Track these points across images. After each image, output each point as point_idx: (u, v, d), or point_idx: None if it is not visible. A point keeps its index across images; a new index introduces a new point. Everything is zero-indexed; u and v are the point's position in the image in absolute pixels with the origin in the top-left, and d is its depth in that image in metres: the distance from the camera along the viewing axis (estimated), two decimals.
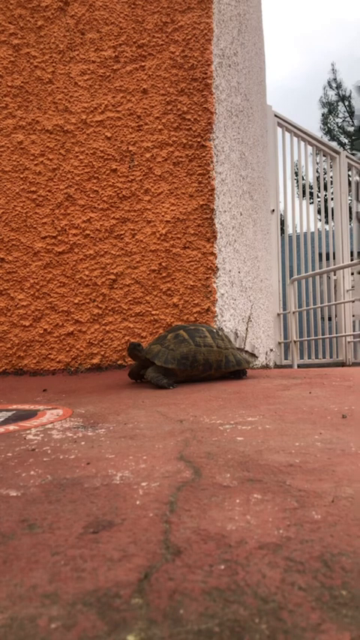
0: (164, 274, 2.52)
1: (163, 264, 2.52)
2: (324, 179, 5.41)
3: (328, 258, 5.41)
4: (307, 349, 5.17)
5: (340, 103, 20.80)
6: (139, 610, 0.38)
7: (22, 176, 2.69)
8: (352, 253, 5.58)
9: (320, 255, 5.43)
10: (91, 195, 2.62)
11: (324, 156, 5.40)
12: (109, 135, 2.62)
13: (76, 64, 2.68)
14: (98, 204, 2.62)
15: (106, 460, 0.79)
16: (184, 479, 0.68)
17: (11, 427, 1.12)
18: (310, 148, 5.25)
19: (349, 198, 5.72)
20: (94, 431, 1.04)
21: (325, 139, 17.46)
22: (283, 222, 5.81)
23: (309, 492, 0.61)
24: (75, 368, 2.56)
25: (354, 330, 5.27)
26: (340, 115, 20.91)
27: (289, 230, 5.34)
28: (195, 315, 2.45)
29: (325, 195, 5.44)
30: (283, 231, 5.59)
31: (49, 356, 2.60)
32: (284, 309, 4.92)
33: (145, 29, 2.62)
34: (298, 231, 5.49)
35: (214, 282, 2.45)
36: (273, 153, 4.75)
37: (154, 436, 0.95)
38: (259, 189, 3.69)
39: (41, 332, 2.61)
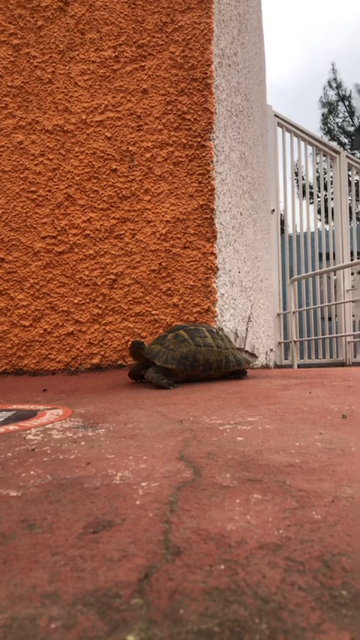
0: (164, 274, 2.52)
1: (163, 264, 2.52)
2: (324, 179, 5.41)
3: (328, 258, 5.41)
4: (307, 349, 5.17)
5: (340, 103, 20.82)
6: (139, 610, 0.38)
7: (22, 176, 2.69)
8: (352, 253, 5.58)
9: (320, 255, 5.43)
10: (91, 195, 2.62)
11: (324, 156, 5.41)
12: (109, 135, 2.62)
13: (76, 64, 2.68)
14: (98, 204, 2.61)
15: (106, 460, 0.79)
16: (184, 479, 0.68)
17: (11, 427, 1.12)
18: (310, 147, 5.25)
19: (349, 198, 5.72)
20: (94, 431, 1.04)
21: (325, 139, 17.45)
22: (283, 222, 5.81)
23: (309, 492, 0.61)
24: (75, 368, 2.56)
25: (354, 330, 5.27)
26: (340, 115, 20.93)
27: (289, 230, 5.34)
28: (195, 315, 2.45)
29: (325, 195, 5.44)
30: (283, 231, 5.59)
31: (49, 356, 2.59)
32: (284, 309, 4.92)
33: (145, 29, 2.62)
34: (298, 231, 5.49)
35: (214, 282, 2.45)
36: (273, 153, 4.75)
37: (154, 436, 0.95)
38: (259, 189, 3.69)
39: (41, 332, 2.61)
